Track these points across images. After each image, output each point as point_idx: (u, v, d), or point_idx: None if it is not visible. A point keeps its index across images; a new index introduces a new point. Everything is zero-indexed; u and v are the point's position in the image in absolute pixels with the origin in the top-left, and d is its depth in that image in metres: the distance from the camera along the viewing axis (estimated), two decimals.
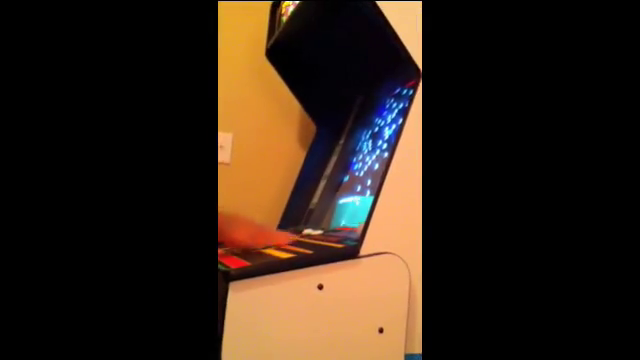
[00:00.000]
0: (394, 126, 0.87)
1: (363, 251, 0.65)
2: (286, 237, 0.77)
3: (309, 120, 1.21)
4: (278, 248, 0.72)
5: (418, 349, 0.66)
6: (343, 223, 0.91)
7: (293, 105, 1.21)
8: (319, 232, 0.88)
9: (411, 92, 0.74)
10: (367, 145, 0.98)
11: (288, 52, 1.09)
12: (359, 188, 0.92)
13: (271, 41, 1.09)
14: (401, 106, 0.87)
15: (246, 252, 0.72)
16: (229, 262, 0.65)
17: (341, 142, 1.10)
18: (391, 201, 0.68)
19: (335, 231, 0.86)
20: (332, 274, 0.63)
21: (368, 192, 0.87)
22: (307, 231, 0.90)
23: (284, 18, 1.02)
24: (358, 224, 0.74)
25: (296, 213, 1.11)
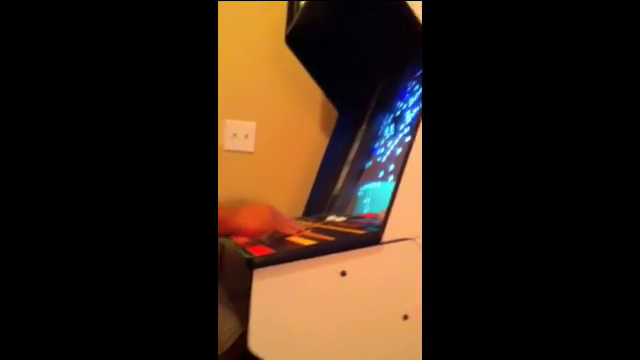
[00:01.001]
0: (416, 109, 0.85)
1: (386, 237, 0.64)
2: (297, 225, 0.77)
3: (331, 106, 1.20)
4: (301, 235, 0.73)
5: None
6: (366, 209, 0.90)
7: (315, 92, 1.20)
8: (342, 219, 0.88)
9: None
10: (389, 130, 0.96)
11: (307, 37, 1.07)
12: (382, 174, 0.91)
13: (290, 27, 1.08)
14: None
15: (271, 240, 0.73)
16: (253, 250, 0.65)
17: (363, 128, 1.09)
18: (414, 186, 0.66)
19: (358, 218, 0.85)
20: (355, 261, 0.63)
21: (391, 177, 0.86)
22: (330, 218, 0.90)
23: (302, 3, 1.01)
24: (381, 210, 0.73)
25: (320, 200, 1.11)
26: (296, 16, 1.05)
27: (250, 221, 0.71)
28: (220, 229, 0.72)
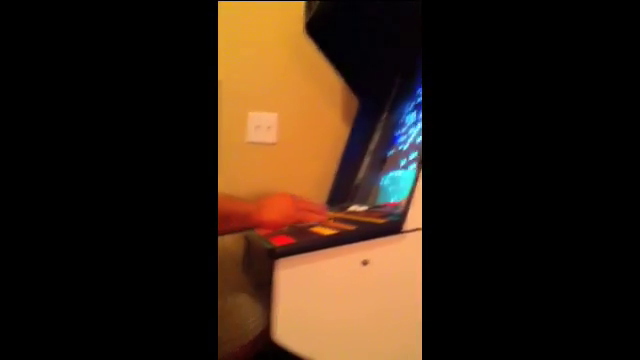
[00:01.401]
0: None
1: (408, 226, 0.63)
2: (321, 210, 0.77)
3: (352, 95, 1.19)
4: (322, 225, 0.73)
5: None
6: (389, 198, 0.90)
7: (336, 81, 1.20)
8: (364, 208, 0.88)
9: None
10: (411, 117, 0.95)
11: (326, 26, 1.06)
12: (403, 162, 0.90)
13: (309, 16, 1.07)
14: None
15: (293, 230, 0.73)
16: (275, 240, 0.66)
17: (384, 116, 1.08)
18: None
19: (380, 207, 0.85)
20: (376, 250, 0.63)
21: (412, 166, 0.84)
22: (352, 207, 0.90)
23: None
24: (403, 199, 0.73)
25: (342, 190, 1.11)
26: (314, 5, 1.04)
27: (273, 215, 0.71)
28: (244, 223, 0.73)
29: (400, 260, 0.64)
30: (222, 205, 0.70)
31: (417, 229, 0.64)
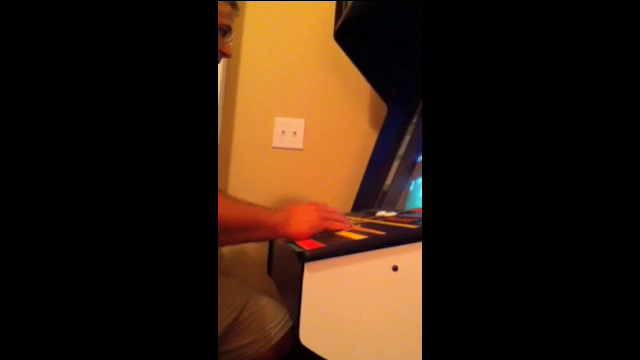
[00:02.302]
0: None
1: None
2: (346, 220, 0.77)
3: (380, 101, 1.18)
4: (351, 230, 0.72)
5: None
6: (418, 204, 0.88)
7: (364, 87, 1.20)
8: (392, 214, 0.87)
9: None
10: None
11: (356, 33, 1.07)
12: None
13: (338, 23, 1.08)
14: None
15: (321, 234, 0.73)
16: (304, 244, 0.66)
17: (414, 121, 1.07)
18: None
19: (409, 212, 0.84)
20: (406, 255, 0.62)
21: None
22: (380, 213, 0.89)
23: (349, 2, 1.01)
24: None
25: (368, 196, 1.10)
26: (345, 12, 1.04)
27: (300, 226, 0.72)
28: (273, 234, 0.73)
29: None
30: (250, 215, 0.71)
31: None
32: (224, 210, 0.62)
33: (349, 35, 1.08)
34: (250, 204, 0.74)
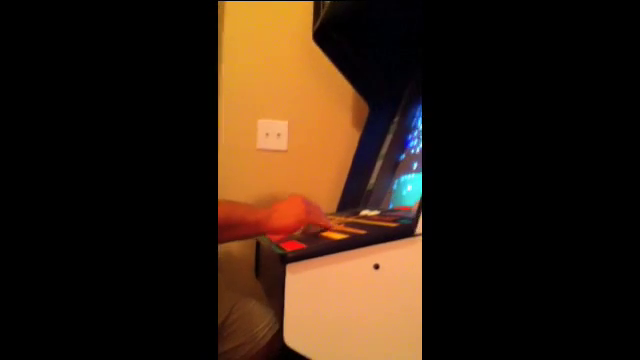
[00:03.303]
0: None
1: (420, 229, 0.63)
2: (330, 220, 0.77)
3: (363, 102, 1.19)
4: (334, 229, 0.72)
5: None
6: (401, 202, 0.89)
7: (346, 88, 1.20)
8: (376, 213, 0.87)
9: None
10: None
11: (334, 33, 1.07)
12: (415, 166, 0.89)
13: (317, 24, 1.08)
14: None
15: (304, 235, 0.73)
16: (286, 246, 0.66)
17: (396, 120, 1.07)
18: None
19: (392, 211, 0.84)
20: (388, 253, 0.62)
21: None
22: (364, 212, 0.89)
23: (327, 2, 1.01)
24: (415, 202, 0.72)
25: (353, 195, 1.11)
26: (322, 13, 1.05)
27: (285, 220, 0.71)
28: (256, 231, 0.73)
29: (412, 264, 0.63)
30: (233, 213, 0.71)
31: None
32: None
33: (328, 36, 1.08)
34: (232, 202, 0.73)
